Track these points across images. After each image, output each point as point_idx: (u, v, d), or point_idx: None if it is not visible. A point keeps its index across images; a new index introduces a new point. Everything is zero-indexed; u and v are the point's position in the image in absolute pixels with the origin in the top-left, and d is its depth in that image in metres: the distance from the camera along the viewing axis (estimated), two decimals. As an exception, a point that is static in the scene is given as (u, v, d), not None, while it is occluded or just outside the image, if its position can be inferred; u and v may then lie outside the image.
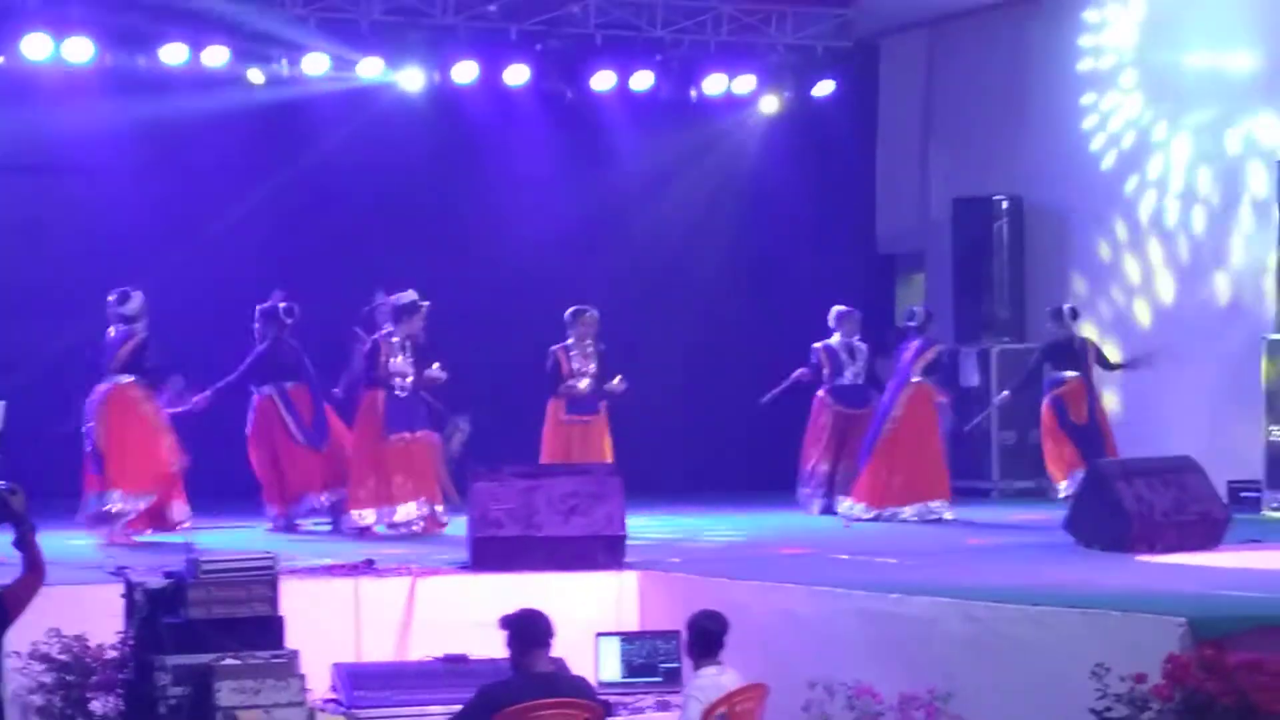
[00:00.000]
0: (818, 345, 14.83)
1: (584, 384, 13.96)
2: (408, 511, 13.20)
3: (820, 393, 14.85)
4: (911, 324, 14.85)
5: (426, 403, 13.54)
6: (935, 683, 8.95)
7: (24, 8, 14.58)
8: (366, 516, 13.21)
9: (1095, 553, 11.76)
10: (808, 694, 9.19)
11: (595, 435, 14.03)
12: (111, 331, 12.86)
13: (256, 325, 13.67)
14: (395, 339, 13.38)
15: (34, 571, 7.44)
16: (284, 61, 15.59)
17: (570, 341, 14.06)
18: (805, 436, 14.91)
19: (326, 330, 15.34)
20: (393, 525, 13.21)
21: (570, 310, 14.16)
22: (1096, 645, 8.34)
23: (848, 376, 14.79)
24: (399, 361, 13.29)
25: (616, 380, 13.98)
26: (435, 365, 13.45)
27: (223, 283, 15.47)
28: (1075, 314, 15.18)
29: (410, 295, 13.45)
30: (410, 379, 13.30)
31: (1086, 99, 16.77)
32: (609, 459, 13.74)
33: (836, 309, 14.95)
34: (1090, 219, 16.80)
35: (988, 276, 17.17)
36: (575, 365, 14.00)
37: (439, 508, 13.35)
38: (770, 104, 17.52)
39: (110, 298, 12.88)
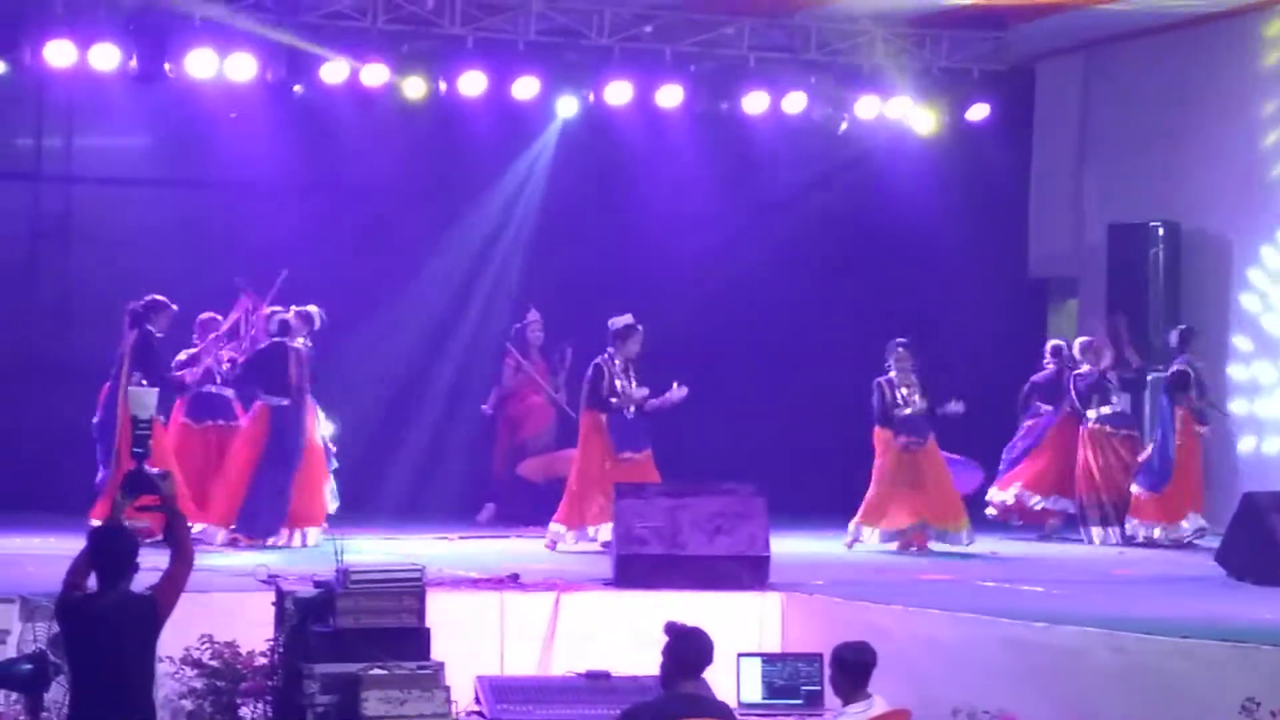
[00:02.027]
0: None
1: (909, 410, 14.08)
2: (604, 533, 13.14)
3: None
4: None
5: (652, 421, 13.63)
6: (1080, 714, 8.86)
7: (191, 25, 14.89)
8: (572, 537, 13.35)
9: (1247, 585, 11.58)
10: (950, 721, 9.14)
11: (928, 460, 14.13)
12: None
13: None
14: (617, 362, 13.53)
15: (181, 563, 7.48)
16: (441, 80, 15.77)
17: (892, 374, 14.17)
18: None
19: (479, 347, 15.53)
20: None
21: (896, 343, 14.31)
22: (1247, 679, 8.22)
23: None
24: (620, 384, 13.44)
25: (954, 402, 14.13)
26: (675, 385, 13.59)
27: (378, 297, 15.68)
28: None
29: (627, 318, 13.61)
30: (636, 400, 13.43)
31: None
32: (947, 480, 14.08)
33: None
34: (1252, 245, 16.50)
35: (1142, 303, 16.92)
36: (901, 394, 14.12)
37: None
38: (924, 127, 17.43)
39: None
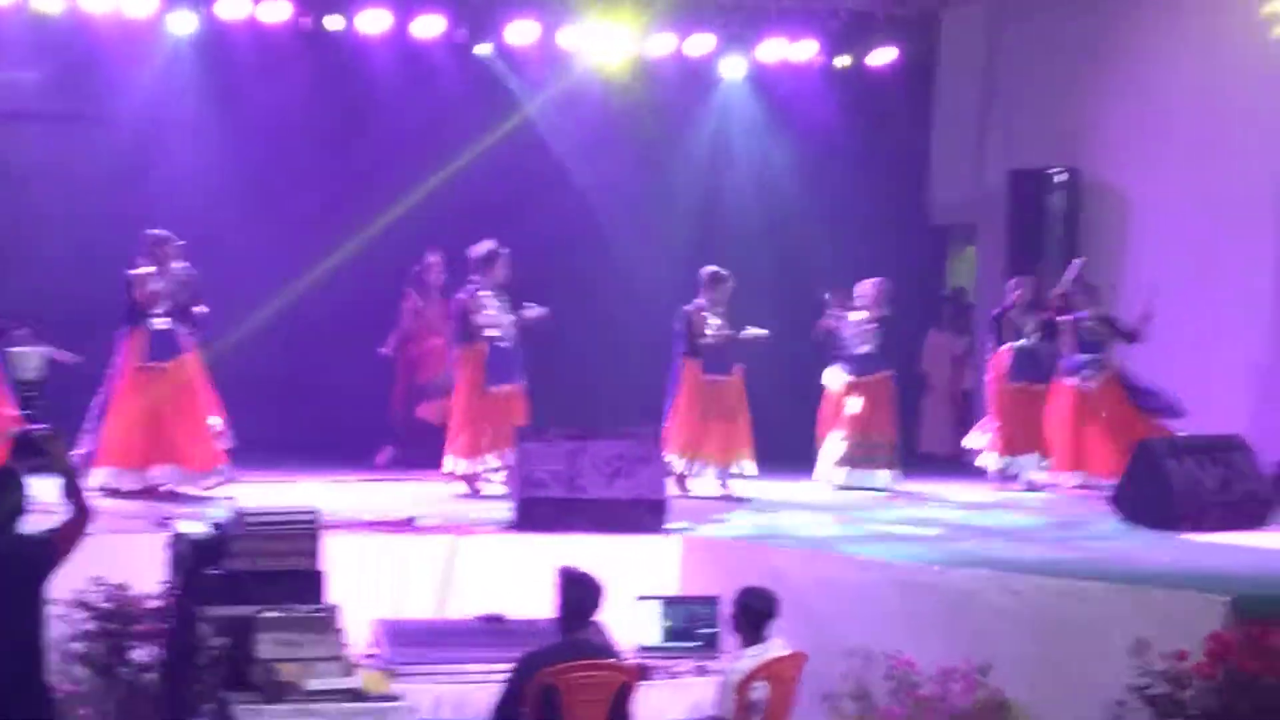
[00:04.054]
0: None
1: (716, 338, 13.74)
2: (489, 463, 13.11)
3: None
4: None
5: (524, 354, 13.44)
6: (974, 655, 8.94)
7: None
8: (459, 466, 13.15)
9: (1140, 530, 11.71)
10: (846, 663, 9.20)
11: (732, 392, 13.84)
12: None
13: None
14: (483, 291, 13.28)
15: (81, 514, 7.50)
16: (342, 17, 15.61)
17: (703, 302, 13.86)
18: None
19: (377, 290, 15.41)
20: (477, 476, 13.17)
21: (717, 273, 13.97)
22: (1138, 621, 8.32)
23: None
24: (493, 313, 13.21)
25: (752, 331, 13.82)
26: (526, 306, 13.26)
27: (275, 236, 15.51)
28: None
29: (487, 245, 13.32)
30: (508, 326, 13.19)
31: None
32: (745, 413, 13.73)
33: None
34: (1150, 195, 16.61)
35: (1041, 250, 17.02)
36: (710, 325, 13.82)
37: None
38: (828, 71, 17.42)
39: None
